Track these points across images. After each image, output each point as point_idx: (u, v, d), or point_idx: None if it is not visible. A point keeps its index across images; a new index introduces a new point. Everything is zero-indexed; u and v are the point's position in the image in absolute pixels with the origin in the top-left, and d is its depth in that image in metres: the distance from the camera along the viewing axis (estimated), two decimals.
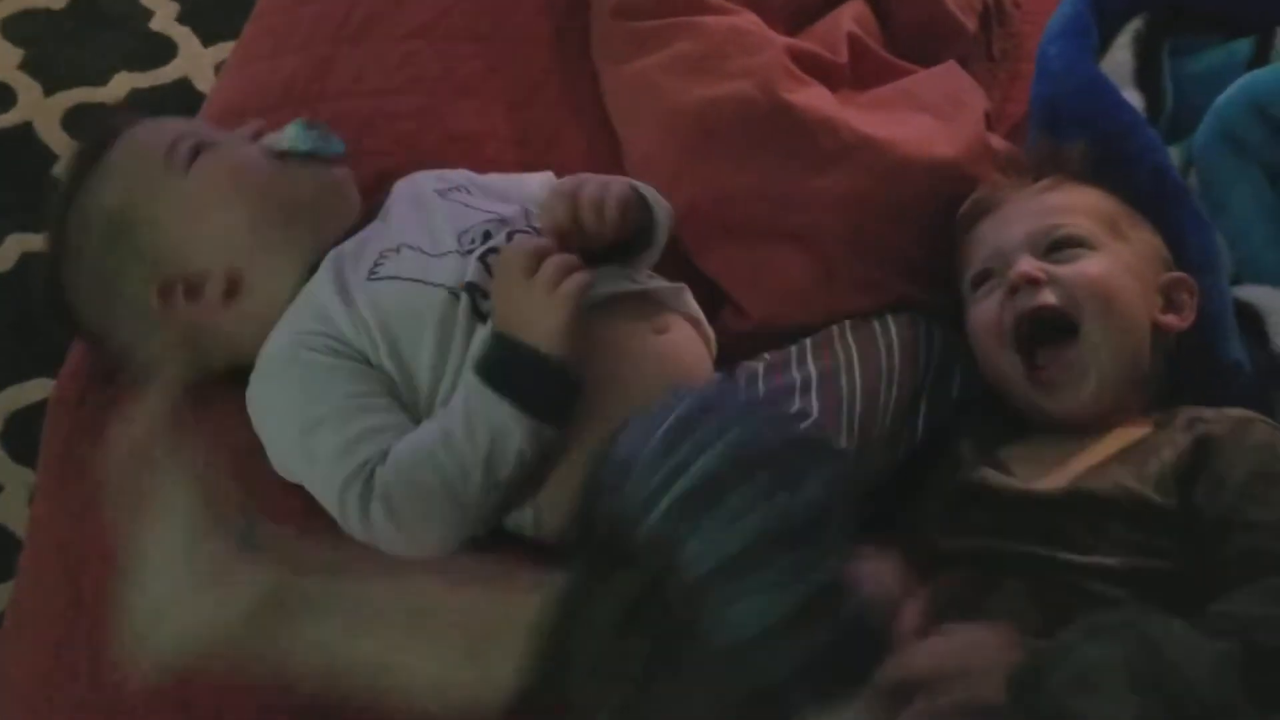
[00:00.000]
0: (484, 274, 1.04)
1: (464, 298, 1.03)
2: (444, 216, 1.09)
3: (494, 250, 1.06)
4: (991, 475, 1.05)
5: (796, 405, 1.05)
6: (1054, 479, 1.03)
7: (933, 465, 1.10)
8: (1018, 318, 1.07)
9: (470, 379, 0.98)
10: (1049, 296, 1.06)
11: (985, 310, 1.10)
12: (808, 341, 1.13)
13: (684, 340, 1.09)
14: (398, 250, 1.07)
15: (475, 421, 0.96)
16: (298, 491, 1.02)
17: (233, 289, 1.07)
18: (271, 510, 0.97)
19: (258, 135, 1.13)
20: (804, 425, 1.02)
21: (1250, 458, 0.96)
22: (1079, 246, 1.08)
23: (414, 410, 1.02)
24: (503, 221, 1.09)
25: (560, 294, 0.97)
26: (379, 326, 1.02)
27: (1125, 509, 0.97)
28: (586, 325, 1.00)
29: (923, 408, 1.11)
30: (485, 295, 1.03)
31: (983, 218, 1.15)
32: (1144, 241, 1.13)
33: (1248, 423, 1.00)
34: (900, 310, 1.17)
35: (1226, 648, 0.82)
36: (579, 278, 0.98)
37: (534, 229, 1.08)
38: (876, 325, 1.15)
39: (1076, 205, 1.12)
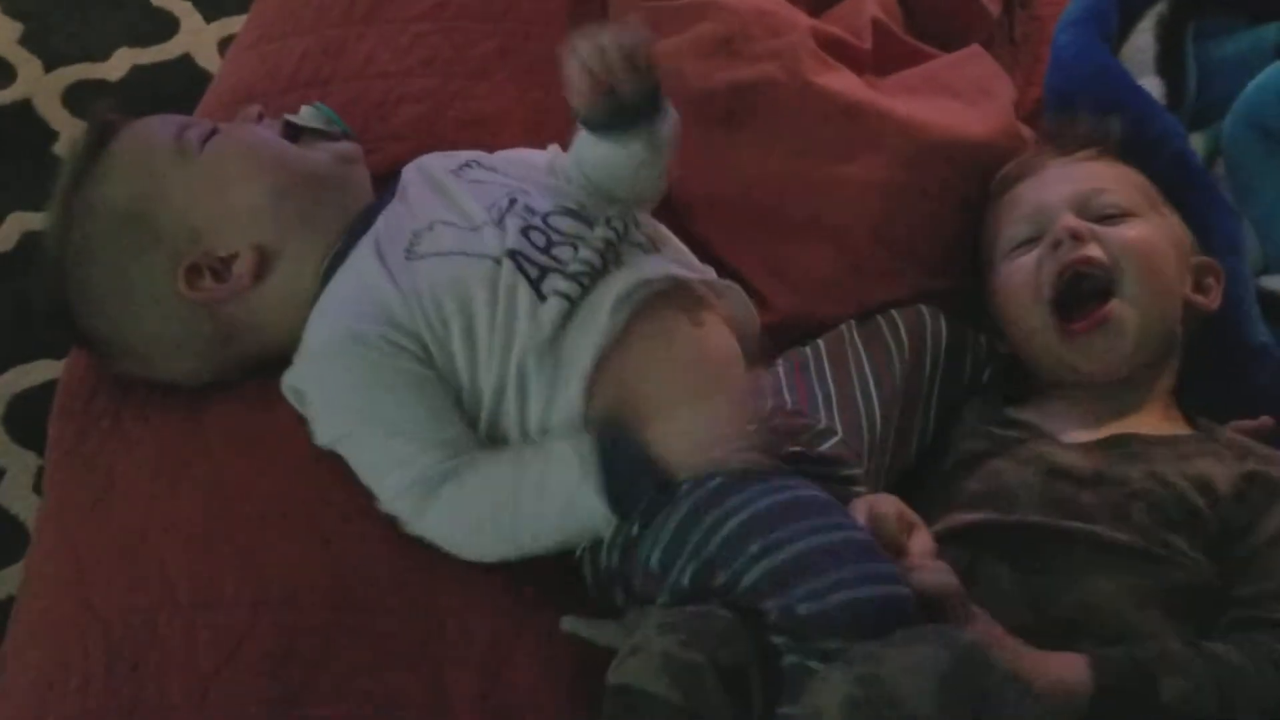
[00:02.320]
0: (525, 242, 1.03)
1: (506, 264, 1.01)
2: (465, 193, 1.08)
3: (532, 226, 1.04)
4: (1018, 436, 1.05)
5: (823, 422, 1.05)
6: (1084, 436, 1.04)
7: (939, 448, 1.11)
8: (1060, 270, 1.07)
9: (573, 467, 0.95)
10: (1093, 250, 1.06)
11: (1020, 268, 1.10)
12: (822, 347, 1.12)
13: (719, 338, 1.07)
14: (430, 228, 1.05)
15: (565, 510, 0.95)
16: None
17: (262, 266, 1.05)
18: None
19: (260, 118, 1.12)
20: (831, 443, 1.03)
21: None
22: (1122, 213, 1.09)
23: (471, 399, 1.01)
24: (524, 191, 1.07)
25: (721, 456, 0.93)
26: (431, 301, 1.00)
27: (1153, 499, 0.98)
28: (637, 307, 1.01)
29: (934, 402, 1.13)
30: (530, 261, 1.02)
31: (1020, 181, 1.15)
32: (1177, 223, 1.14)
33: None
34: (905, 303, 1.16)
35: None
36: (751, 456, 0.94)
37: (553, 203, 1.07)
38: (884, 326, 1.14)
39: (1119, 175, 1.13)
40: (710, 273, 1.11)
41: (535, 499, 0.95)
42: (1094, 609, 0.94)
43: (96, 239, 1.04)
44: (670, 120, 1.07)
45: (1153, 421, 1.06)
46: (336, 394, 1.00)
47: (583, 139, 1.08)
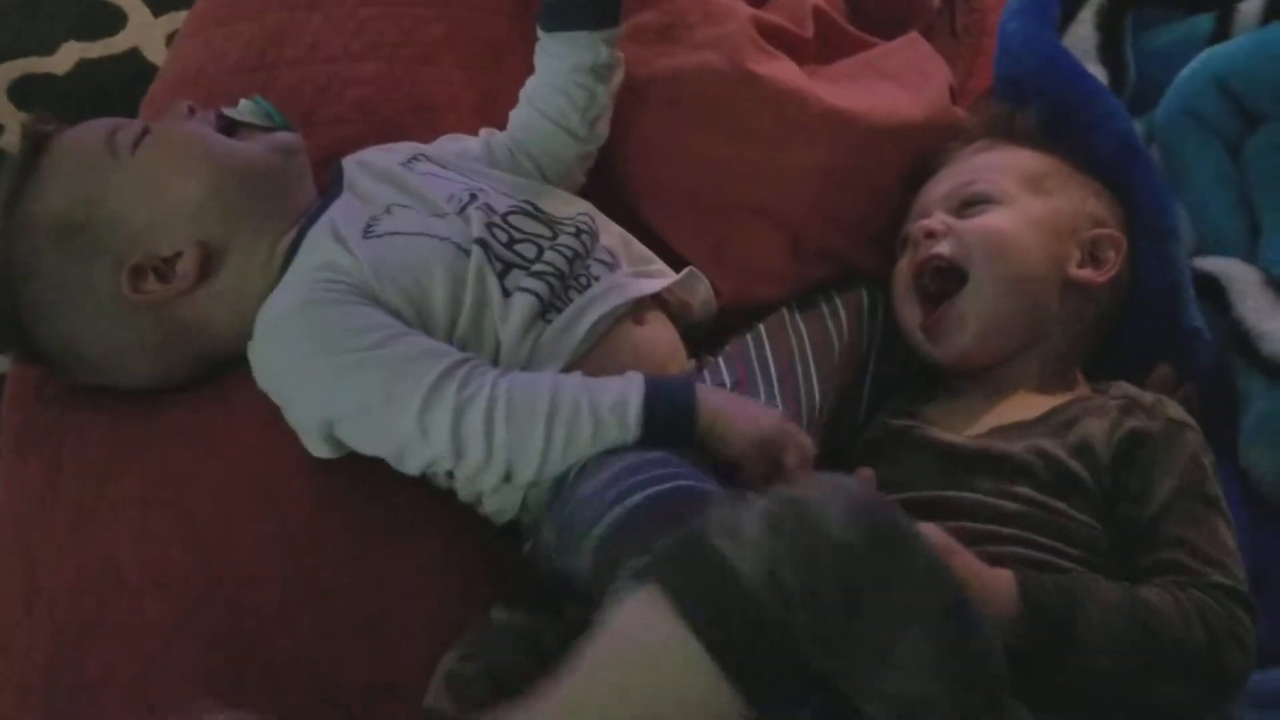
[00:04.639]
0: (489, 236, 1.04)
1: (476, 252, 1.03)
2: (421, 184, 1.09)
3: (493, 223, 1.05)
4: (909, 425, 1.08)
5: (763, 399, 1.08)
6: (970, 431, 1.06)
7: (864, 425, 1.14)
8: (916, 268, 1.11)
9: (628, 380, 0.97)
10: (942, 247, 1.10)
11: (899, 267, 1.15)
12: (762, 330, 1.14)
13: (660, 333, 1.10)
14: (387, 210, 1.06)
15: (602, 428, 0.95)
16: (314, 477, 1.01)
17: (206, 264, 1.04)
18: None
19: (191, 113, 1.10)
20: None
21: (1178, 469, 0.99)
22: (986, 202, 1.12)
23: None
24: (481, 189, 1.09)
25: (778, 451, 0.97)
26: (388, 278, 1.00)
27: (1036, 472, 1.00)
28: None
29: (868, 379, 1.16)
30: (495, 256, 1.03)
31: (928, 178, 1.18)
32: (1071, 199, 1.15)
33: (1180, 429, 1.02)
34: (846, 284, 1.18)
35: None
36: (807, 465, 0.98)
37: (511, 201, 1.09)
38: (824, 307, 1.17)
39: (998, 164, 1.16)
40: (668, 271, 1.13)
41: (582, 386, 0.96)
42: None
43: (38, 252, 1.03)
44: (620, 63, 1.13)
45: (1039, 401, 1.08)
46: (315, 338, 0.98)
47: (537, 72, 1.14)
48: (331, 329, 0.98)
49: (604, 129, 1.18)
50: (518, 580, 1.01)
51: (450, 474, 0.99)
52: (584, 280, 1.06)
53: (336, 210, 1.06)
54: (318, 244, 1.04)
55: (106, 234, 1.03)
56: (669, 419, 0.95)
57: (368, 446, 0.99)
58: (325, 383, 0.97)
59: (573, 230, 1.09)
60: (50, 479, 1.02)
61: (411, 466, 0.99)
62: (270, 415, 1.02)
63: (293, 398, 1.00)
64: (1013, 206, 1.11)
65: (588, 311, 1.04)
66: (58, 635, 0.94)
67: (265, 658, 0.94)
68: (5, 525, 1.02)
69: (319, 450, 1.00)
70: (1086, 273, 1.12)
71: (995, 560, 0.95)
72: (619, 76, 1.17)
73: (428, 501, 1.02)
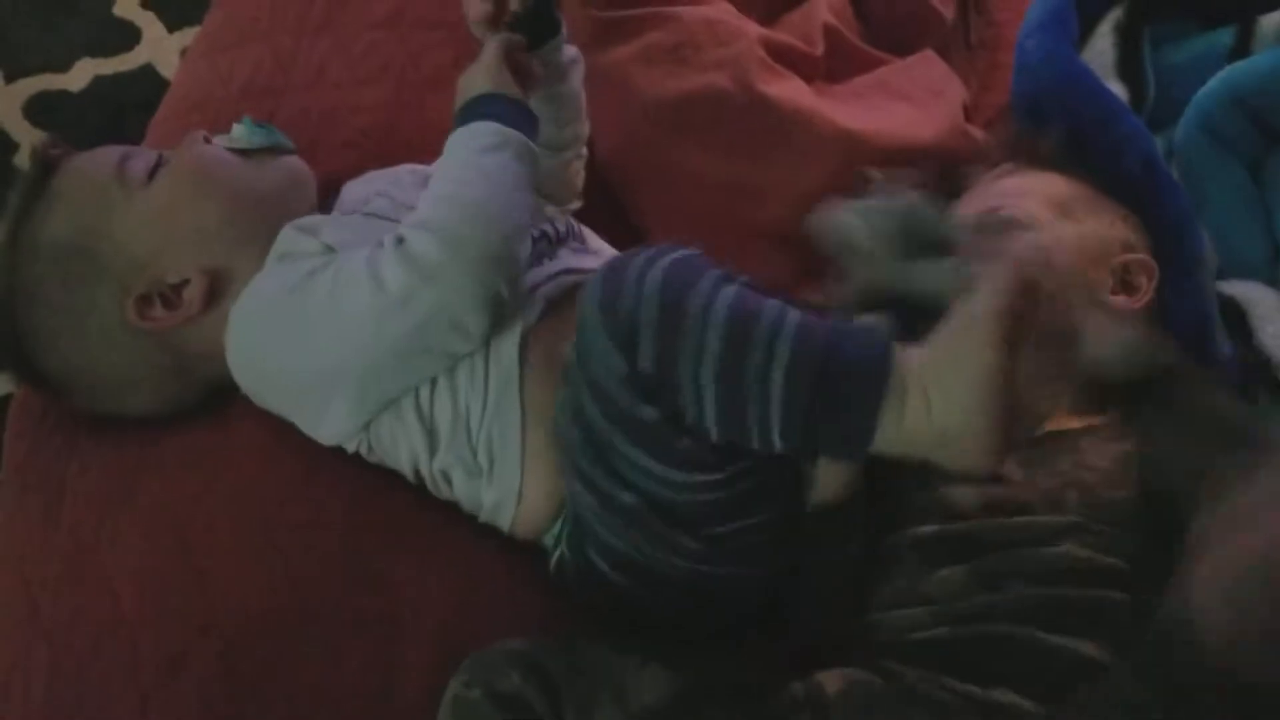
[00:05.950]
0: None
1: None
2: (406, 184, 1.09)
3: None
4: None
5: None
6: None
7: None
8: None
9: (452, 136, 1.01)
10: None
11: None
12: None
13: None
14: (366, 201, 1.08)
15: (469, 156, 0.98)
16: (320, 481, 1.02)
17: (213, 290, 1.04)
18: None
19: (206, 143, 1.10)
20: None
21: None
22: (1017, 229, 1.10)
23: None
24: None
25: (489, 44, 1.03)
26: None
27: (1085, 482, 0.98)
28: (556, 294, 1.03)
29: None
30: None
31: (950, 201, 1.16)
32: (1101, 224, 1.13)
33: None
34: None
35: None
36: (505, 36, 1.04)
37: None
38: None
39: (1025, 189, 1.14)
40: None
41: (462, 167, 0.99)
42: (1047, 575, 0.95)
43: (42, 278, 1.03)
44: (575, 59, 1.12)
45: (1065, 420, 1.06)
46: (271, 285, 1.01)
47: None
48: (282, 273, 1.00)
49: (584, 128, 1.17)
50: (524, 606, 1.01)
51: (443, 466, 1.00)
52: (545, 260, 1.06)
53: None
54: (282, 238, 1.04)
55: (111, 260, 1.03)
56: (512, 112, 0.99)
57: (347, 342, 0.97)
58: (293, 304, 0.98)
59: (550, 223, 1.09)
60: (52, 511, 1.02)
61: (392, 331, 0.96)
62: (271, 442, 1.02)
63: (280, 360, 1.00)
64: (1044, 232, 1.10)
65: (532, 278, 1.03)
66: (56, 670, 0.93)
67: (265, 694, 0.93)
68: (6, 557, 1.02)
69: (339, 417, 1.00)
70: (1121, 300, 1.10)
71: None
72: (579, 70, 1.14)
73: (432, 531, 1.02)
